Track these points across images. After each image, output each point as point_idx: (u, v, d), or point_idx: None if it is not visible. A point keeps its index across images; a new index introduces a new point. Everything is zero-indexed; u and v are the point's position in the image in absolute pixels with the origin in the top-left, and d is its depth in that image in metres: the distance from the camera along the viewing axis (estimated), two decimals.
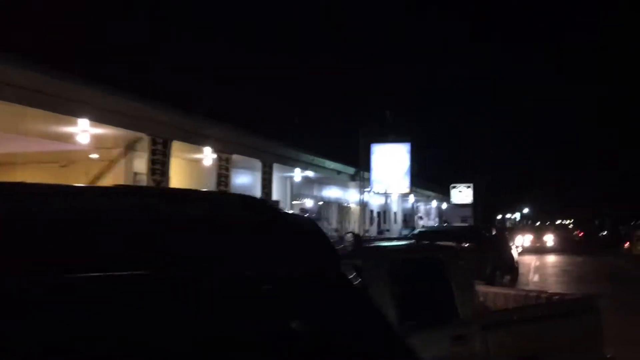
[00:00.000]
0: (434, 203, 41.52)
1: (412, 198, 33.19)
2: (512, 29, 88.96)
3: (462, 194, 40.42)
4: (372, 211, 29.46)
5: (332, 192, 23.01)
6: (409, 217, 37.35)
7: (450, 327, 4.41)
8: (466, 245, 15.70)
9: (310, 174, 18.35)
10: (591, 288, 18.46)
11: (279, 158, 14.37)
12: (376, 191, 21.08)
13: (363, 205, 26.99)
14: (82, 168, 13.30)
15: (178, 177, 13.20)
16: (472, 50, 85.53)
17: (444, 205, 44.99)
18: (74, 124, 8.92)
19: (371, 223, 28.96)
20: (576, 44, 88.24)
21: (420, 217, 42.12)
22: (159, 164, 9.65)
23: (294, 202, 20.59)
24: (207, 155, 11.84)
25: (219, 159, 11.57)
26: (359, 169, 19.89)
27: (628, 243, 43.39)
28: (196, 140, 10.84)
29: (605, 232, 73.90)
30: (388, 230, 26.40)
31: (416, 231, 17.45)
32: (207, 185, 12.11)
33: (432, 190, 37.40)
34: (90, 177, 13.07)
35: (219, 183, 11.60)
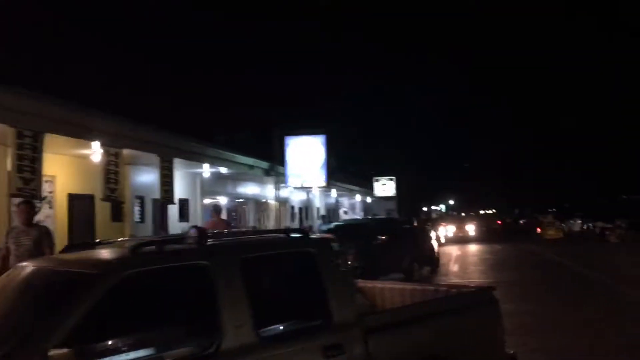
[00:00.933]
0: (358, 197, 41.35)
1: (334, 192, 32.73)
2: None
3: (385, 187, 40.48)
4: (292, 207, 28.74)
5: (248, 189, 22.09)
6: (332, 212, 36.93)
7: (322, 335, 3.68)
8: (383, 237, 15.28)
9: (221, 169, 17.36)
10: (506, 274, 18.63)
11: (181, 152, 13.32)
12: (292, 185, 20.33)
13: (282, 201, 26.20)
14: None
15: (62, 175, 11.94)
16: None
17: (369, 199, 44.97)
18: None
19: (292, 219, 28.24)
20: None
21: (345, 212, 41.86)
22: (28, 160, 8.46)
23: (205, 201, 19.53)
24: (95, 151, 10.67)
25: (107, 154, 10.44)
26: (274, 163, 19.08)
27: (539, 229, 47.56)
28: (77, 133, 9.67)
29: (524, 220, 77.69)
30: (310, 226, 25.75)
31: (332, 225, 16.86)
32: (95, 184, 10.95)
33: (355, 185, 37.15)
34: None
35: (107, 181, 10.47)
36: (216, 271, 3.29)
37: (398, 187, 44.84)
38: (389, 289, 5.75)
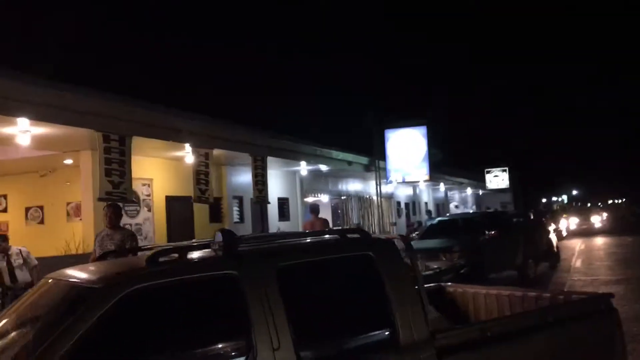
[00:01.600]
0: (470, 190, 39.52)
1: (442, 186, 31.43)
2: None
3: (497, 179, 38.28)
4: (398, 202, 27.90)
5: (350, 186, 21.62)
6: (442, 207, 35.57)
7: (385, 357, 3.03)
8: (491, 232, 14.12)
9: (320, 167, 17.00)
10: (637, 269, 16.60)
11: (273, 151, 13.08)
12: (393, 180, 19.53)
13: (386, 197, 25.46)
14: (62, 176, 12.37)
15: (159, 178, 12.10)
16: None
17: (481, 192, 42.90)
18: (13, 123, 7.88)
19: (399, 215, 27.42)
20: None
21: (457, 206, 40.22)
22: (116, 164, 8.50)
23: (307, 199, 19.30)
24: (188, 152, 10.67)
25: (197, 154, 10.37)
26: (374, 157, 18.41)
27: None
28: (164, 134, 9.66)
29: None
30: (419, 222, 24.81)
31: (435, 221, 15.90)
32: (191, 185, 10.93)
33: (464, 177, 35.46)
34: (72, 185, 12.11)
35: (197, 182, 10.40)
36: (247, 282, 2.75)
37: (512, 178, 42.33)
38: (483, 295, 4.94)
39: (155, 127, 9.33)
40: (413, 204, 29.95)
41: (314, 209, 15.36)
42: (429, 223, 15.62)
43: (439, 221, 15.46)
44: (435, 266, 12.49)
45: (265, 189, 12.57)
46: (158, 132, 9.46)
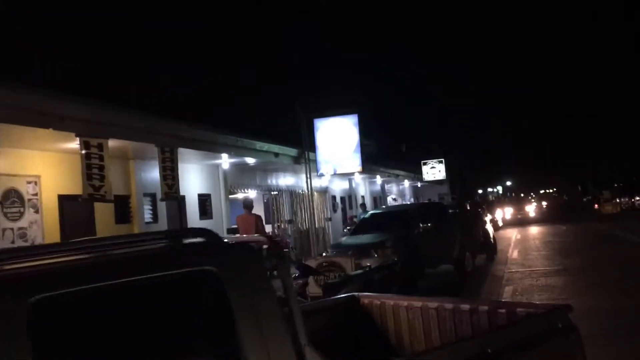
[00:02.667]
0: (407, 182, 39.04)
1: (379, 179, 30.66)
2: None
3: (434, 170, 37.97)
4: (334, 197, 26.86)
5: (281, 180, 20.38)
6: (380, 200, 34.86)
7: None
8: (426, 225, 13.22)
9: (246, 160, 15.67)
10: (575, 258, 16.18)
11: (184, 141, 11.66)
12: (324, 173, 18.42)
13: (320, 191, 24.38)
14: None
15: (49, 174, 10.48)
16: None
17: (419, 184, 42.58)
18: None
19: (334, 210, 26.39)
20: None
21: (394, 199, 39.68)
22: None
23: (237, 195, 17.93)
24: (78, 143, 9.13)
25: (86, 145, 8.86)
26: (303, 149, 17.24)
27: (596, 205, 48.99)
28: (40, 121, 8.13)
29: (587, 198, 73.51)
30: (355, 217, 23.85)
31: (367, 215, 14.90)
32: (78, 180, 9.38)
33: (402, 169, 34.89)
34: None
35: (88, 177, 8.90)
36: None
37: (449, 170, 42.22)
38: (405, 308, 3.82)
39: (25, 112, 7.79)
40: (349, 197, 28.99)
41: (247, 204, 14.15)
42: (361, 217, 14.59)
43: (372, 215, 14.46)
44: (367, 264, 11.49)
45: (176, 184, 11.16)
46: (31, 118, 7.93)
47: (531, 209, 41.39)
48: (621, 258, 15.40)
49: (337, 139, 17.64)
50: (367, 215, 14.53)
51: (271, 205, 20.27)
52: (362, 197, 31.85)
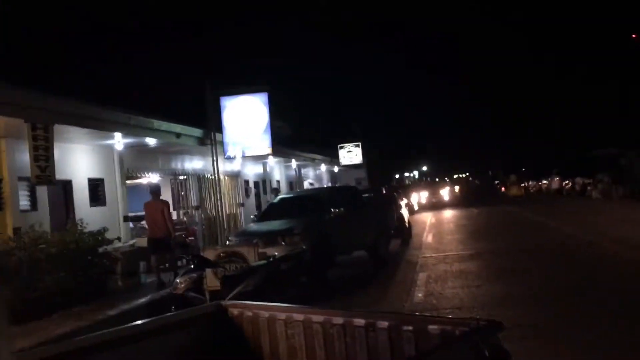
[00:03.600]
0: (323, 167, 38.41)
1: (294, 163, 29.75)
2: None
3: (351, 154, 37.57)
4: (247, 181, 25.70)
5: (187, 164, 18.99)
6: (296, 185, 34.00)
7: None
8: (338, 210, 12.42)
9: (147, 140, 14.24)
10: (488, 242, 15.97)
11: (63, 117, 10.16)
12: (231, 155, 17.23)
13: (232, 175, 23.15)
14: None
15: None
16: None
17: (336, 169, 42.09)
18: None
19: (247, 195, 25.24)
20: None
21: (311, 184, 39.00)
22: None
23: (133, 181, 16.41)
24: None
25: None
26: (209, 129, 15.96)
27: (504, 188, 55.30)
28: None
29: (497, 182, 76.58)
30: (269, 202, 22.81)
31: (276, 200, 13.93)
32: None
33: (318, 153, 34.17)
34: None
35: None
36: None
37: (366, 154, 42.02)
38: (283, 322, 2.86)
39: None
40: (263, 182, 27.90)
41: (154, 189, 12.76)
42: (270, 202, 13.60)
43: (281, 200, 13.49)
44: (275, 253, 10.53)
45: (51, 166, 9.69)
46: None
47: (445, 193, 41.96)
48: (531, 242, 15.34)
49: (246, 119, 16.48)
50: (276, 200, 13.56)
51: (177, 190, 18.88)
52: (277, 181, 30.86)
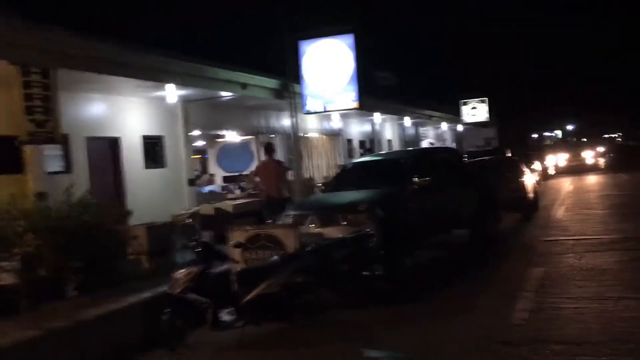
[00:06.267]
0: (444, 126, 34.72)
1: (408, 121, 26.63)
2: None
3: (476, 111, 33.46)
4: (349, 140, 23.18)
5: (276, 121, 16.88)
6: (413, 145, 30.87)
7: None
8: (424, 179, 9.51)
9: (208, 92, 12.28)
10: (636, 226, 12.03)
11: (67, 59, 8.25)
12: (312, 110, 14.73)
13: (332, 134, 20.75)
14: None
15: None
16: None
17: (460, 128, 38.13)
18: None
19: (350, 156, 22.75)
20: None
21: (432, 143, 35.58)
22: None
23: (196, 137, 14.59)
24: None
25: None
26: (286, 80, 13.58)
27: None
28: None
29: None
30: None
31: (350, 165, 11.25)
32: None
33: (437, 110, 30.62)
34: None
35: None
36: None
37: (496, 111, 37.53)
38: None
39: None
40: (371, 142, 25.24)
41: (269, 148, 11.28)
42: (349, 167, 10.98)
43: (354, 165, 10.79)
44: (337, 235, 8.05)
45: (54, 120, 7.87)
46: None
47: (590, 155, 36.38)
48: None
49: (328, 66, 13.83)
50: (349, 166, 10.89)
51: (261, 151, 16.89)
52: (389, 141, 28.02)
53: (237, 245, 6.91)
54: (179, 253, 10.57)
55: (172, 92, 11.28)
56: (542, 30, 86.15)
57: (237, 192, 15.92)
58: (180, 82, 11.18)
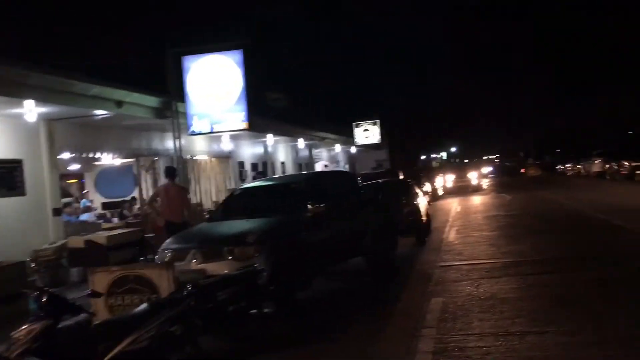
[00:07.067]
0: (338, 147, 34.76)
1: (301, 143, 26.18)
2: None
3: (368, 133, 33.81)
4: (241, 163, 22.27)
5: (160, 142, 15.61)
6: (305, 167, 30.48)
7: None
8: (318, 206, 8.83)
9: (73, 110, 10.89)
10: (528, 248, 12.09)
11: None
12: (197, 130, 13.75)
13: (222, 156, 19.73)
14: None
15: None
16: None
17: (354, 149, 38.41)
18: None
19: (241, 179, 21.81)
20: None
21: (326, 166, 35.49)
22: None
23: (66, 159, 13.12)
24: None
25: None
26: (170, 98, 12.50)
27: (523, 169, 62.53)
28: None
29: (529, 162, 72.99)
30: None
31: (238, 190, 10.40)
32: None
33: (329, 131, 30.54)
34: None
35: None
36: None
37: (387, 134, 38.24)
38: None
39: None
40: (264, 165, 24.46)
41: (170, 171, 11.08)
42: (237, 193, 10.07)
43: (243, 191, 9.92)
44: (221, 272, 7.12)
45: None
46: None
47: (474, 176, 37.94)
48: (590, 247, 11.51)
49: (215, 84, 12.93)
50: (237, 192, 10.01)
51: (145, 174, 15.55)
52: (282, 163, 27.42)
53: (93, 295, 5.76)
54: (34, 299, 9.07)
55: (31, 109, 9.84)
56: (427, 58, 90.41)
57: (116, 220, 14.53)
58: (42, 98, 9.80)
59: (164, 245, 8.04)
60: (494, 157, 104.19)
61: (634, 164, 34.03)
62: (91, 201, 15.99)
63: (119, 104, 11.26)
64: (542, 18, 75.57)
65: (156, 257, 7.92)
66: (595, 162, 43.50)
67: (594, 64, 58.09)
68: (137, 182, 14.97)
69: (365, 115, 34.68)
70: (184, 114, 13.34)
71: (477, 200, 28.86)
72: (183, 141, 15.34)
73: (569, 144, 63.27)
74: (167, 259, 7.38)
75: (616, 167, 36.78)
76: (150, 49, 14.21)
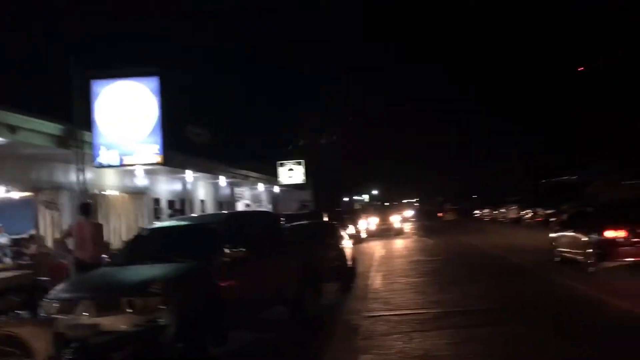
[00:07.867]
0: (261, 186, 33.86)
1: (223, 180, 25.12)
2: None
3: (292, 173, 33.20)
4: (157, 200, 20.90)
5: (64, 175, 14.16)
6: (228, 206, 29.30)
7: None
8: (238, 250, 7.89)
9: None
10: (455, 292, 11.57)
11: None
12: (104, 162, 12.55)
13: (136, 192, 18.36)
14: None
15: None
16: None
17: (277, 189, 37.60)
18: None
19: (157, 217, 20.40)
20: None
21: (248, 205, 34.39)
22: None
23: None
24: None
25: None
26: (74, 126, 11.28)
27: (441, 214, 68.66)
28: None
29: (449, 207, 74.94)
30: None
31: (146, 231, 9.31)
32: None
33: (252, 170, 29.67)
34: None
35: None
36: None
37: (312, 174, 37.78)
38: None
39: None
40: (182, 202, 23.15)
41: (85, 208, 10.54)
42: (144, 233, 8.96)
43: (151, 232, 8.84)
44: (119, 328, 6.01)
45: None
46: None
47: (396, 220, 38.01)
48: (513, 296, 11.16)
49: (126, 112, 11.86)
50: (145, 233, 8.91)
51: (43, 210, 13.97)
52: (202, 201, 26.15)
53: None
54: None
55: None
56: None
57: (7, 260, 12.88)
58: None
59: (51, 294, 6.83)
60: (414, 200, 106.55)
61: (547, 212, 35.22)
62: None
63: (13, 129, 9.94)
64: (462, 66, 78.85)
65: (39, 308, 6.68)
66: (511, 208, 45.02)
67: (511, 112, 60.88)
68: (35, 218, 13.42)
69: (290, 155, 34.12)
70: (91, 144, 12.09)
71: (400, 243, 28.68)
72: (90, 174, 13.96)
73: (487, 189, 65.54)
74: (52, 311, 6.19)
75: (531, 214, 38.08)
76: (54, 70, 12.88)
